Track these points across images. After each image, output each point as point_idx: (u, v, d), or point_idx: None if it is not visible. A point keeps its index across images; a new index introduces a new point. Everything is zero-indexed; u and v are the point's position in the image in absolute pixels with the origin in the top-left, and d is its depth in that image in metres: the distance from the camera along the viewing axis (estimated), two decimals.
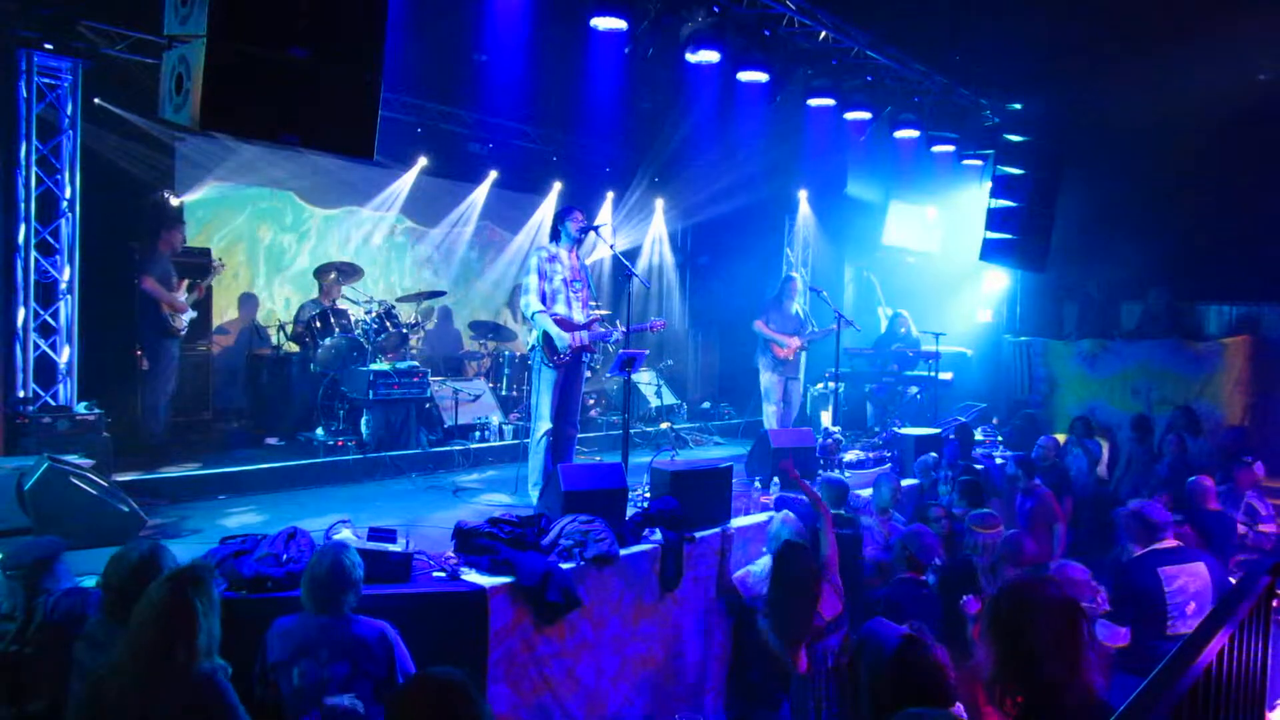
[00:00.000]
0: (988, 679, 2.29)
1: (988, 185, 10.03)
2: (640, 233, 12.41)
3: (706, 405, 11.43)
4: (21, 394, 6.17)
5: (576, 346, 6.13)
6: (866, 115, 9.15)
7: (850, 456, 8.03)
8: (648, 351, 10.29)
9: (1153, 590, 4.44)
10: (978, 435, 9.14)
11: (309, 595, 3.30)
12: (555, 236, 6.29)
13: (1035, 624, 2.22)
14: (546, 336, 6.02)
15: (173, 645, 2.62)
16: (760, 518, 5.78)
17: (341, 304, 8.50)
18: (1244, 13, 7.83)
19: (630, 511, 5.21)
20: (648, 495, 5.53)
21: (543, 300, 6.03)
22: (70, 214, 6.46)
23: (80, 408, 6.24)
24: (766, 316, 8.66)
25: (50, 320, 6.40)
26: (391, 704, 2.17)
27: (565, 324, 6.08)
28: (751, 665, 5.36)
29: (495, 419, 8.64)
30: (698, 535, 5.22)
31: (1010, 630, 2.24)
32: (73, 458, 5.15)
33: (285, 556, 3.93)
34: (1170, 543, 4.62)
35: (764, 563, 5.07)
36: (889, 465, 7.93)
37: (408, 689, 2.23)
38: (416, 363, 8.14)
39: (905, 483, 6.95)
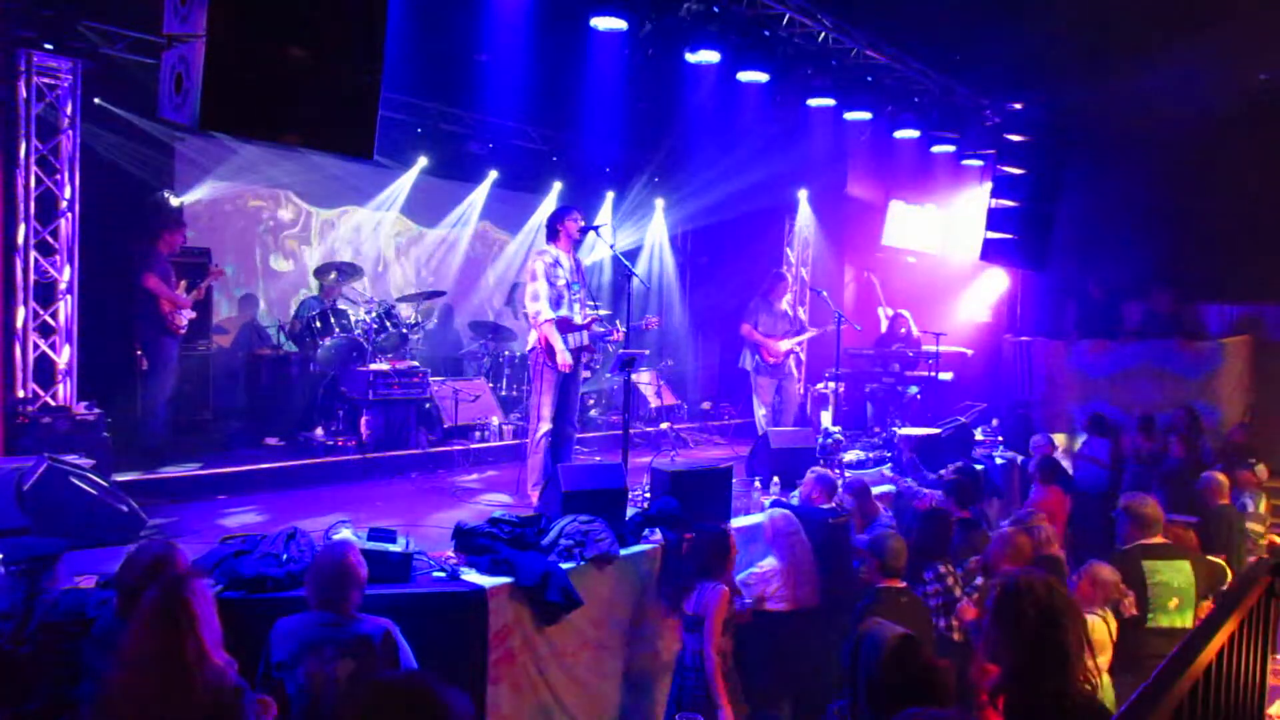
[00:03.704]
0: (986, 678, 2.29)
1: (988, 185, 10.03)
2: (640, 233, 12.41)
3: (706, 405, 11.42)
4: (21, 394, 6.16)
5: (575, 347, 6.13)
6: (866, 115, 9.16)
7: (850, 456, 8.01)
8: (648, 351, 10.31)
9: (1136, 582, 4.54)
10: (978, 435, 9.14)
11: (315, 593, 3.30)
12: (553, 237, 6.28)
13: (1032, 623, 2.22)
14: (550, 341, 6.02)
15: (182, 646, 2.60)
16: (760, 518, 5.78)
17: (341, 304, 8.49)
18: (1244, 13, 7.82)
19: (630, 511, 5.21)
20: (648, 495, 5.53)
21: (551, 305, 6.02)
22: (70, 214, 6.45)
23: (80, 408, 6.24)
24: (754, 319, 8.52)
25: (50, 320, 6.39)
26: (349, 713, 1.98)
27: (566, 324, 6.08)
28: (754, 666, 5.35)
29: (495, 419, 8.63)
30: None
31: (1007, 630, 2.25)
32: (72, 458, 5.15)
33: (285, 556, 3.93)
34: (1158, 539, 4.69)
35: (768, 563, 5.06)
36: (888, 465, 7.93)
37: (370, 702, 1.94)
38: (416, 363, 8.14)
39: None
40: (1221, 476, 6.16)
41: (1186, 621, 4.56)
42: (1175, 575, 4.62)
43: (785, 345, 8.48)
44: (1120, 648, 4.23)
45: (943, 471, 6.89)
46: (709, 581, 4.34)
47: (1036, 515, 5.06)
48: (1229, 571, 5.17)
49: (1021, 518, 5.08)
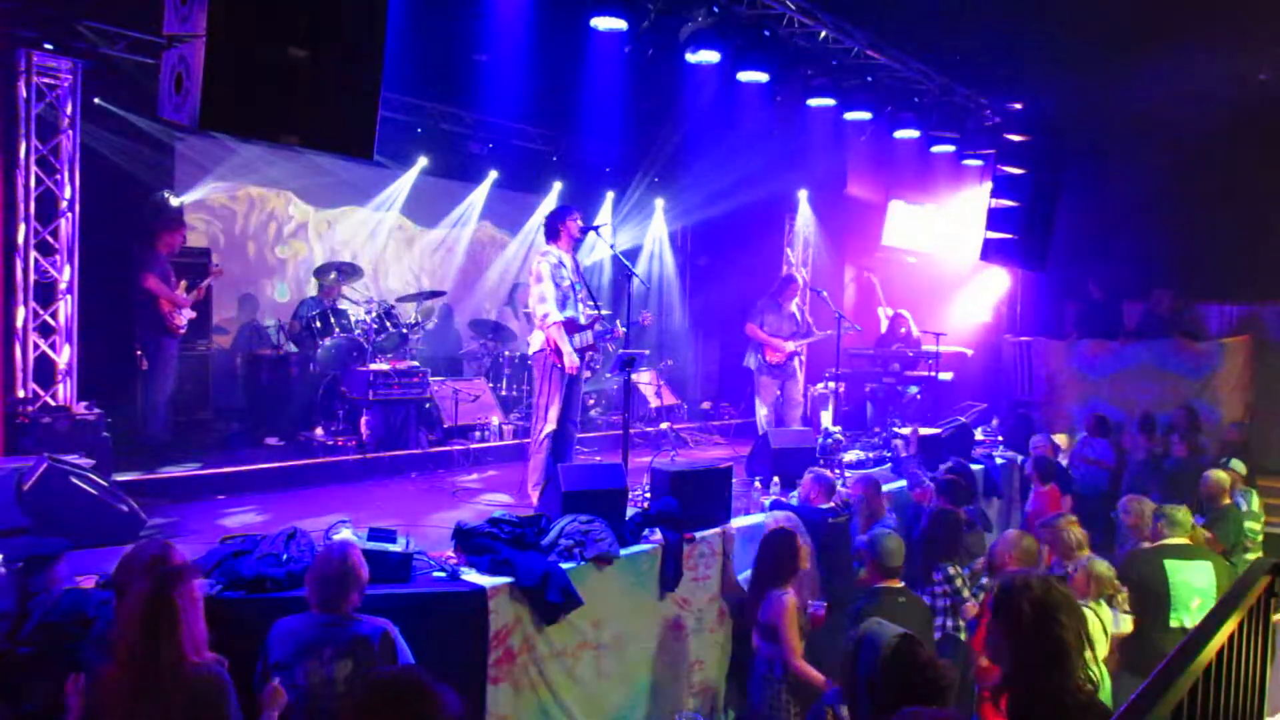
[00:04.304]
0: (988, 678, 2.30)
1: (988, 185, 10.02)
2: (640, 233, 12.41)
3: (706, 405, 11.42)
4: (21, 394, 6.16)
5: (580, 347, 6.13)
6: (866, 115, 9.15)
7: (850, 456, 8.01)
8: (648, 351, 10.30)
9: (1158, 582, 4.53)
10: (978, 435, 9.14)
11: (316, 594, 3.30)
12: (554, 237, 6.26)
13: (1030, 620, 2.22)
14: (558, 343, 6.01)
15: (158, 644, 2.61)
16: (761, 518, 5.78)
17: (341, 304, 8.49)
18: (1244, 13, 7.83)
19: (630, 511, 5.20)
20: (648, 495, 5.53)
21: (558, 306, 6.01)
22: (70, 214, 6.45)
23: (80, 408, 6.24)
24: (760, 319, 8.52)
25: (50, 320, 6.39)
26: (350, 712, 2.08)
27: (572, 325, 6.07)
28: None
29: (495, 419, 8.63)
30: (698, 535, 5.21)
31: (1005, 627, 2.25)
32: (73, 458, 5.15)
33: (285, 556, 3.92)
34: (1183, 539, 4.69)
35: None
36: (888, 465, 7.92)
37: (364, 698, 2.10)
38: (416, 363, 8.14)
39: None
40: (1223, 474, 6.18)
41: None
42: (1198, 575, 4.63)
43: (790, 346, 8.48)
44: (1141, 647, 4.23)
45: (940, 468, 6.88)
46: (776, 590, 4.26)
47: (1066, 517, 4.98)
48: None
49: (1049, 521, 5.00)
